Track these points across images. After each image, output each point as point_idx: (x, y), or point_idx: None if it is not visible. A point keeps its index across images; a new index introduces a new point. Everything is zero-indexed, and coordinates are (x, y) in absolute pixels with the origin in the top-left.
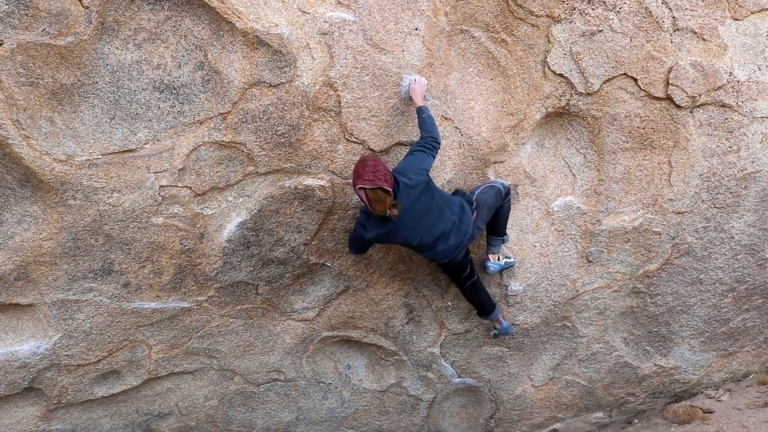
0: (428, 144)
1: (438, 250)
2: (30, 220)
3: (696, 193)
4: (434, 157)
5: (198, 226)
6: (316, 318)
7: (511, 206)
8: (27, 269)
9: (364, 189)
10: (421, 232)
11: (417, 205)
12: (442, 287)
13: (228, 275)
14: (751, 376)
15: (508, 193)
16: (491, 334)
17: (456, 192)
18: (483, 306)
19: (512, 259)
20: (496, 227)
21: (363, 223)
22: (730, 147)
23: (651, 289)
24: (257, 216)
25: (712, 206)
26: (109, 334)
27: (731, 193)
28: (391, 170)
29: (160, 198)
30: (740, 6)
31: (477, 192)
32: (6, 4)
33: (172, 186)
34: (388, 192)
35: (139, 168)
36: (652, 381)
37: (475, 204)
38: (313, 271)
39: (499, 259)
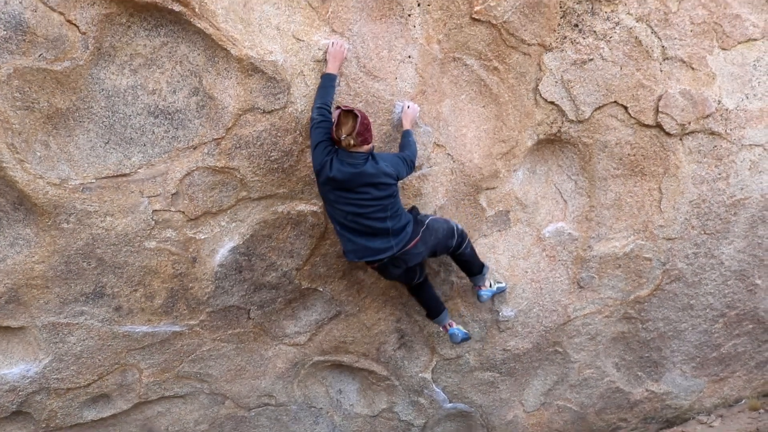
0: (407, 159)
1: (358, 242)
2: (22, 243)
3: (686, 219)
4: (407, 174)
5: (191, 250)
6: (308, 342)
7: (503, 233)
8: (18, 292)
9: (340, 109)
10: (346, 203)
11: (366, 184)
12: None
13: (220, 299)
14: (743, 401)
15: (462, 238)
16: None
17: (411, 209)
18: (429, 309)
19: (503, 284)
20: (470, 269)
21: (320, 140)
22: (720, 174)
23: (642, 314)
24: (250, 241)
25: (702, 232)
26: (99, 357)
27: (721, 219)
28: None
29: (153, 222)
30: (728, 36)
31: (430, 218)
32: (4, 30)
33: (166, 210)
34: (356, 121)
35: (132, 192)
36: (644, 406)
37: (423, 227)
38: (305, 295)
39: (490, 285)
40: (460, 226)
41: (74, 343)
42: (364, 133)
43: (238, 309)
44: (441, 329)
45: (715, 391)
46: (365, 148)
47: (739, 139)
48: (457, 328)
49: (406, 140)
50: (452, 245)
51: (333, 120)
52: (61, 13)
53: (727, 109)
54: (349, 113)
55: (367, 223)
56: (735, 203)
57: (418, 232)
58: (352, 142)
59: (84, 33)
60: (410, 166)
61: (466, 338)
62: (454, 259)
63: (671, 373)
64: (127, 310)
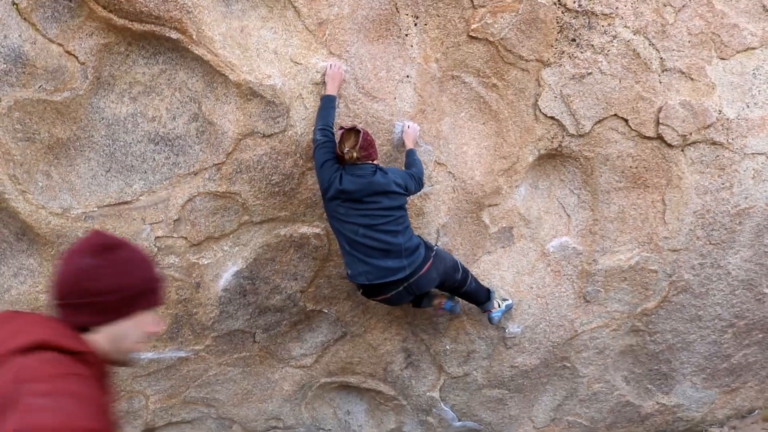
0: (415, 176)
1: (371, 262)
2: (26, 273)
3: (691, 230)
4: (415, 190)
5: (194, 276)
6: (315, 364)
7: (507, 249)
8: None
9: (342, 129)
10: (358, 215)
11: (377, 192)
12: (439, 331)
13: (225, 324)
14: (756, 412)
15: (465, 273)
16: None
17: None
18: (477, 299)
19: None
20: (477, 299)
21: (326, 159)
22: (723, 184)
23: (650, 327)
24: (253, 264)
25: (708, 243)
26: None
27: (726, 229)
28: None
29: (156, 249)
30: (726, 46)
31: (437, 247)
32: (4, 63)
33: (168, 237)
34: (358, 136)
35: (134, 220)
36: (655, 419)
37: (434, 252)
38: (310, 317)
39: (498, 306)
40: (460, 262)
41: None
42: (368, 148)
43: (243, 333)
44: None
45: (727, 402)
46: (370, 161)
47: (741, 148)
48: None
49: (411, 159)
50: (458, 279)
51: (336, 139)
52: (60, 45)
53: (728, 119)
54: (351, 130)
55: (380, 237)
56: (740, 212)
57: (429, 256)
58: (355, 155)
59: (83, 63)
60: (418, 182)
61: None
62: (460, 296)
63: (682, 385)
64: None
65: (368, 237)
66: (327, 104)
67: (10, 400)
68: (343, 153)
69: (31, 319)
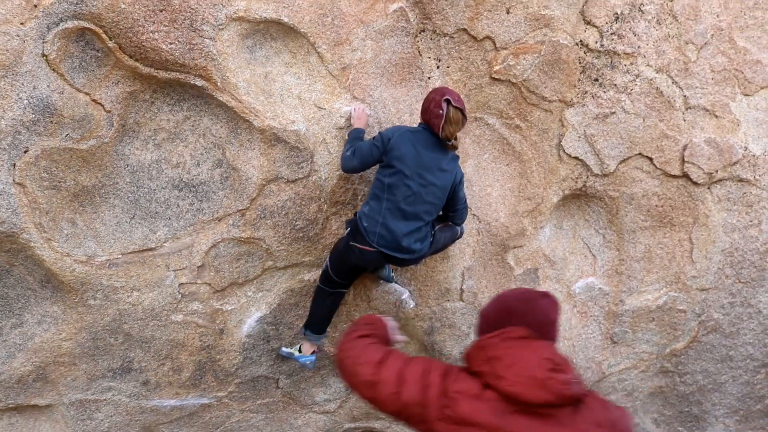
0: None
1: (392, 228)
2: (50, 321)
3: (719, 268)
4: (461, 203)
5: (218, 322)
6: (338, 410)
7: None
8: (46, 370)
9: (449, 102)
10: (420, 184)
11: (443, 170)
12: None
13: (248, 370)
14: None
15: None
16: (285, 350)
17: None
18: (319, 321)
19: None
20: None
21: (387, 135)
22: (751, 221)
23: (679, 367)
24: (277, 310)
25: (737, 281)
26: None
27: (755, 267)
28: None
29: (180, 295)
30: (749, 82)
31: (438, 228)
32: (32, 114)
33: (192, 283)
34: (465, 119)
35: (158, 266)
36: None
37: (433, 233)
38: (334, 362)
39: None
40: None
41: (102, 420)
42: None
43: (266, 378)
44: (298, 347)
45: None
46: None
47: None
48: (311, 358)
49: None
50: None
51: (441, 113)
52: (87, 94)
53: (754, 155)
54: (458, 110)
55: (417, 211)
56: None
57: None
58: (456, 144)
59: (109, 111)
60: (464, 204)
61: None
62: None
63: (714, 428)
64: (154, 384)
65: (410, 205)
66: (355, 135)
67: None
68: (449, 138)
69: None
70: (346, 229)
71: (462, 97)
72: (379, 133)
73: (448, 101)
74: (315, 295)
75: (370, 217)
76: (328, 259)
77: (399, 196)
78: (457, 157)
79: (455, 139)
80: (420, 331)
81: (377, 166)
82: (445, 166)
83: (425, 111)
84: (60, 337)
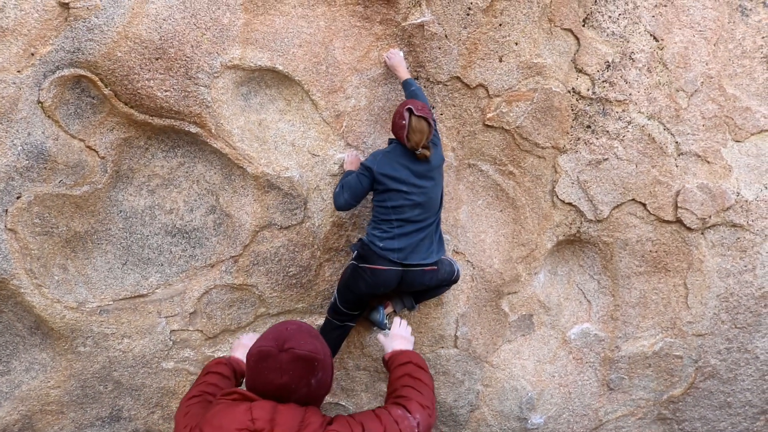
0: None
1: (409, 242)
2: (38, 368)
3: (715, 314)
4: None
5: None
6: None
7: (527, 338)
8: (32, 419)
9: (411, 111)
10: (419, 193)
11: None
12: (459, 423)
13: None
14: None
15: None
16: None
17: None
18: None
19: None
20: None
21: (368, 165)
22: (746, 266)
23: (677, 414)
24: None
25: (733, 326)
26: None
27: (751, 312)
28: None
29: (171, 342)
30: (740, 128)
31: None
32: (26, 160)
33: (183, 330)
34: (432, 127)
35: (150, 313)
36: None
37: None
38: (327, 411)
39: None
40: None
41: None
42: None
43: None
44: None
45: None
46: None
47: (762, 229)
48: None
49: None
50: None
51: (404, 123)
52: (81, 140)
53: (747, 201)
54: (421, 118)
55: (425, 217)
56: (764, 295)
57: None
58: (427, 153)
59: (103, 157)
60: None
61: None
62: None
63: None
64: None
65: (418, 216)
66: (348, 174)
67: None
68: (415, 148)
69: None
70: (353, 252)
71: (431, 111)
72: (361, 163)
73: (410, 110)
74: (322, 329)
75: (384, 237)
76: (335, 290)
77: (407, 212)
78: (438, 146)
79: (425, 147)
80: None
81: (371, 199)
82: (431, 166)
83: (392, 125)
84: (48, 385)
